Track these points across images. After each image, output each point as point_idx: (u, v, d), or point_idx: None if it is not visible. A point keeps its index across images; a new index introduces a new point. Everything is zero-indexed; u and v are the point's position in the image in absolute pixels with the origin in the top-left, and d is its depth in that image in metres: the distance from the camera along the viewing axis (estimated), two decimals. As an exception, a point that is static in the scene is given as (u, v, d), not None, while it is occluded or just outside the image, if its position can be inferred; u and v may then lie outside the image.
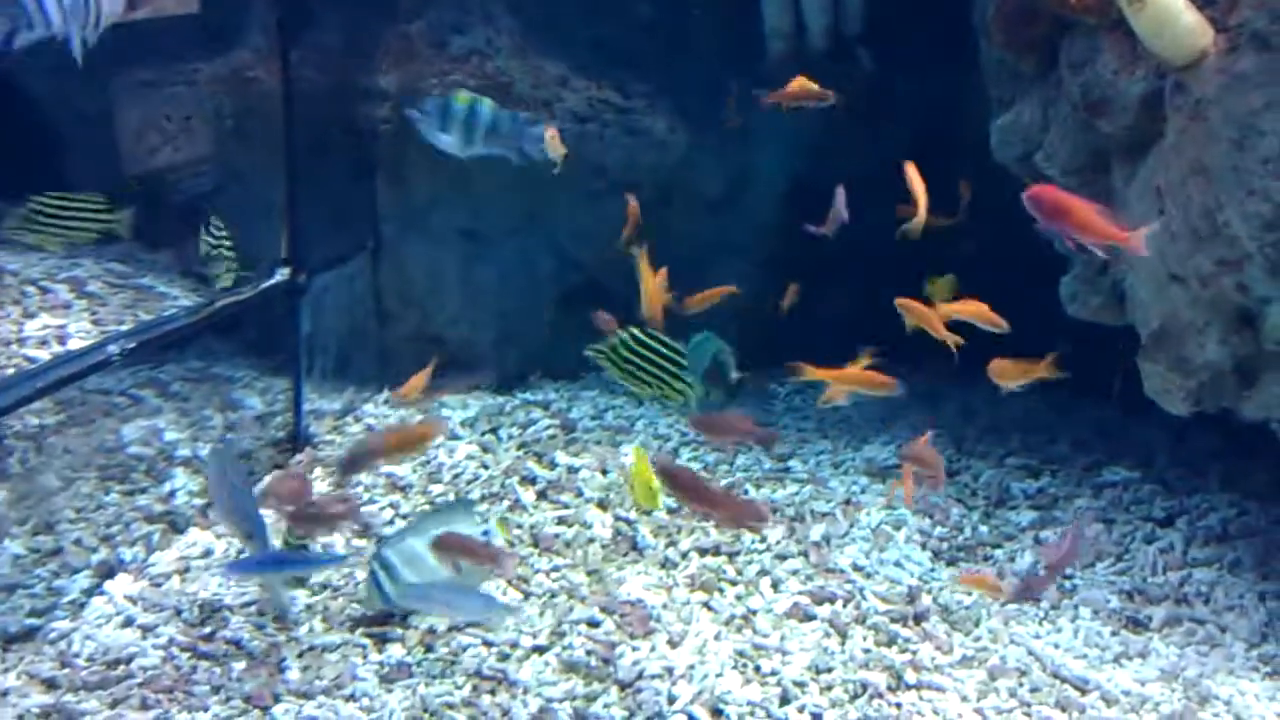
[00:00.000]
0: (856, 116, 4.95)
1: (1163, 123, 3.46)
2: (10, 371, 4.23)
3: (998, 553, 4.21)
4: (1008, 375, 3.67)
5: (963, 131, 4.48)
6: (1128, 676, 3.54)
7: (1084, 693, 3.44)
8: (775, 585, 3.93)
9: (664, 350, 3.88)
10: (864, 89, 4.97)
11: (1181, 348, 3.58)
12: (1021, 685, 3.45)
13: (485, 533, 3.66)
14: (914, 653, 3.58)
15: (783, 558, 4.09)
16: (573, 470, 4.63)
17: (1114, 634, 3.76)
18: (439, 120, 3.65)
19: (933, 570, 4.08)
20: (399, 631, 3.55)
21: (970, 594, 3.93)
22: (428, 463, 4.63)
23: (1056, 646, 3.68)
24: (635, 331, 3.90)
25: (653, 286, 4.00)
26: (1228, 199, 3.22)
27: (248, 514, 3.39)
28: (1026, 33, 3.96)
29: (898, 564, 4.09)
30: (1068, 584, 4.02)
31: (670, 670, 3.44)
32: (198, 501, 4.16)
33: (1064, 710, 3.35)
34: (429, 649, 3.50)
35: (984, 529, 4.37)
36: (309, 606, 3.67)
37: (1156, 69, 3.44)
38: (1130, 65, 3.53)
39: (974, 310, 3.56)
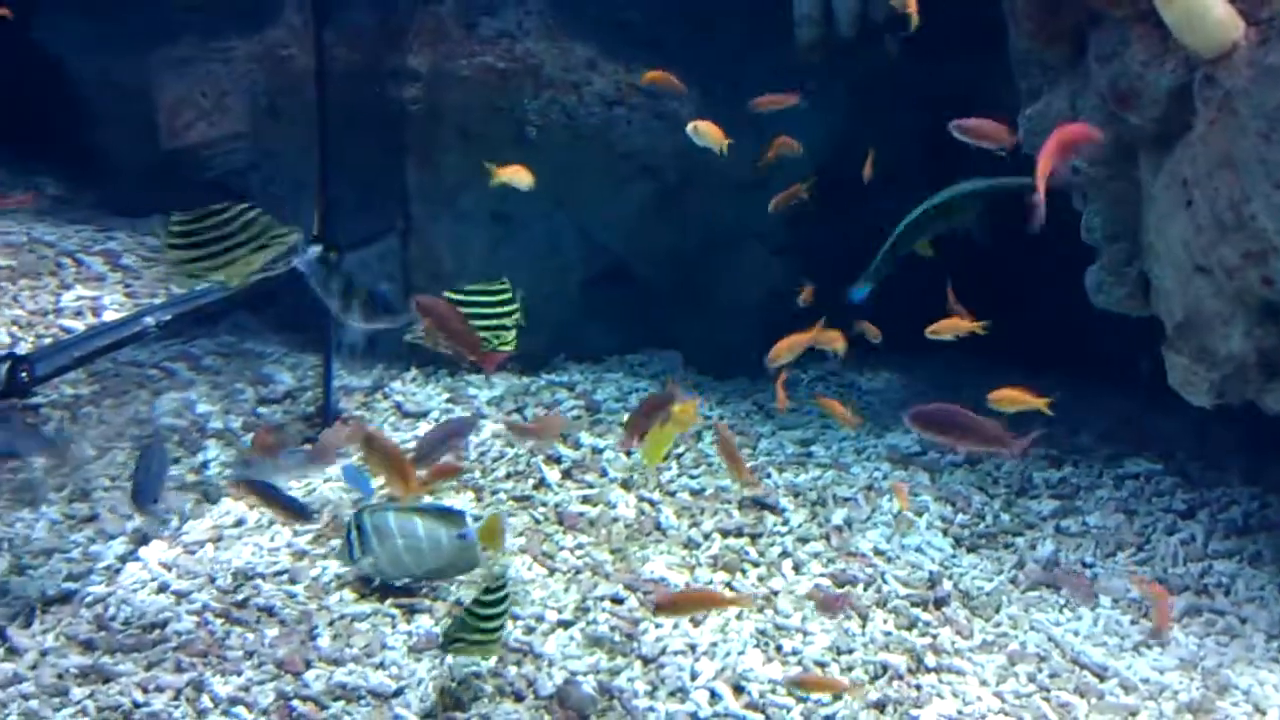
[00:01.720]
0: (881, 104, 4.97)
1: (1191, 115, 3.47)
2: (48, 341, 4.31)
3: (1019, 540, 4.24)
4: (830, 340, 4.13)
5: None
6: (1146, 665, 3.57)
7: (1103, 679, 3.48)
8: (797, 567, 3.98)
9: (484, 300, 3.70)
10: (890, 76, 5.00)
11: (1206, 339, 3.60)
12: (1041, 671, 3.50)
13: (464, 534, 3.67)
14: (934, 636, 3.62)
15: (805, 540, 4.14)
16: (597, 451, 4.68)
17: (1134, 623, 3.79)
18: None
19: (954, 556, 4.11)
20: (427, 603, 3.62)
21: (991, 581, 3.97)
22: (454, 440, 4.69)
23: (1076, 634, 3.71)
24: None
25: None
26: (1255, 192, 3.24)
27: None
28: (1055, 23, 3.96)
29: (919, 549, 4.13)
30: (1089, 573, 4.06)
31: (693, 647, 3.49)
32: (229, 472, 4.23)
33: (1082, 696, 3.40)
34: (456, 621, 3.56)
35: (1005, 517, 4.40)
36: (339, 576, 3.74)
37: (1186, 61, 3.45)
38: (1160, 57, 3.54)
39: None
